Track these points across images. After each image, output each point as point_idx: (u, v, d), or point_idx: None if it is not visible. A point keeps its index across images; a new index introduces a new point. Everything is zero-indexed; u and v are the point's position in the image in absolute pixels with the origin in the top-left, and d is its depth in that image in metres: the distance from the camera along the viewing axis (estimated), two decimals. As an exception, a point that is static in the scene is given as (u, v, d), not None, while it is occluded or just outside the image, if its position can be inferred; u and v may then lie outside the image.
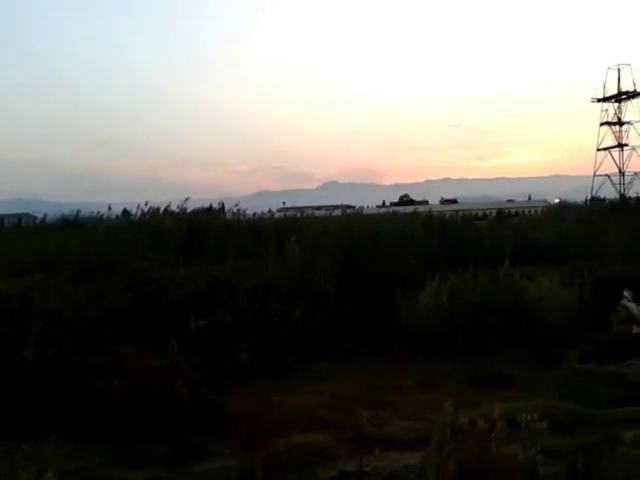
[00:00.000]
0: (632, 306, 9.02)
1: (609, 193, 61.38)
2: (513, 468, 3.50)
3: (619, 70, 62.26)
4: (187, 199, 13.95)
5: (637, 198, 51.68)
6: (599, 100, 63.32)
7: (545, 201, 64.19)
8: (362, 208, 24.78)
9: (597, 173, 64.59)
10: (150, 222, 12.83)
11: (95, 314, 7.37)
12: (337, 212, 19.97)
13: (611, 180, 63.49)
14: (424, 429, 4.86)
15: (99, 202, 15.82)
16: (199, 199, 22.80)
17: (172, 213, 13.37)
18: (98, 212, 15.87)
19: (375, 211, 30.45)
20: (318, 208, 31.49)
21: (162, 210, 13.47)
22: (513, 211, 39.27)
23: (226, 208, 16.76)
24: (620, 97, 62.70)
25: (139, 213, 13.60)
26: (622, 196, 59.67)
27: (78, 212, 16.36)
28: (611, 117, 63.32)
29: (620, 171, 63.23)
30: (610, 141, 63.51)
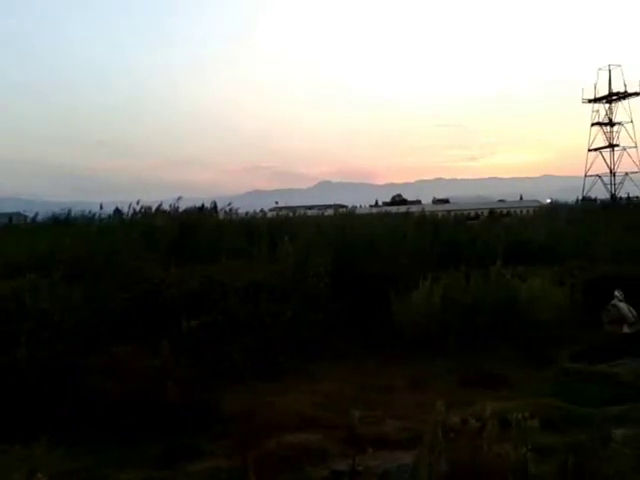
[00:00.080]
0: (622, 306, 9.07)
1: (600, 193, 61.77)
2: (504, 467, 3.52)
3: (610, 71, 62.63)
4: (179, 198, 13.92)
5: (628, 198, 52.05)
6: (590, 101, 63.60)
7: (537, 201, 64.48)
8: (355, 208, 24.79)
9: (588, 173, 64.92)
10: (142, 221, 12.78)
11: (87, 314, 7.35)
12: (329, 212, 19.96)
13: (602, 180, 63.83)
14: (416, 428, 4.88)
15: (99, 202, 15.71)
16: (191, 198, 22.78)
17: (164, 212, 13.32)
18: (90, 211, 15.78)
19: (368, 211, 30.48)
20: (311, 207, 31.48)
21: (154, 209, 13.42)
22: (505, 211, 39.42)
23: (218, 207, 16.73)
24: (611, 98, 63.00)
25: (131, 212, 13.54)
26: (613, 196, 59.98)
27: (69, 211, 16.24)
28: (602, 118, 63.66)
29: (611, 171, 63.56)
30: (601, 141, 63.86)
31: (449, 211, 32.69)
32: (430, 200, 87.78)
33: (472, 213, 34.34)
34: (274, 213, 20.08)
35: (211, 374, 6.89)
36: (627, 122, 62.66)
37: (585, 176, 64.84)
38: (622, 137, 63.02)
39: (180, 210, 13.64)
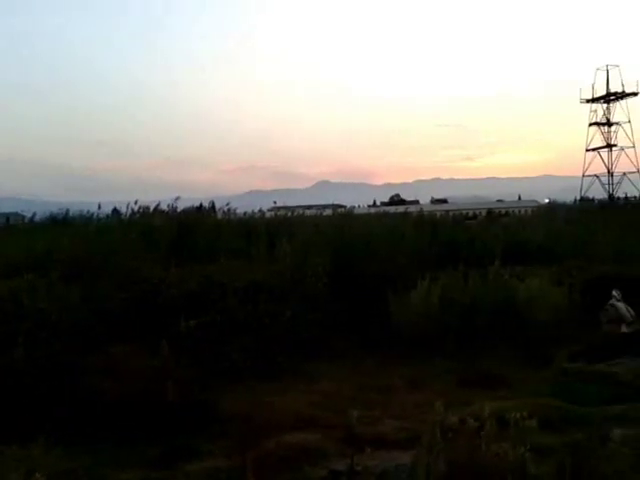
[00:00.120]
0: (621, 305, 9.08)
1: (598, 193, 61.83)
2: (503, 466, 3.52)
3: (608, 71, 62.70)
4: (177, 198, 13.91)
5: (626, 198, 52.11)
6: (588, 101, 63.67)
7: (535, 201, 64.56)
8: (353, 208, 24.79)
9: (586, 173, 64.98)
10: (140, 221, 12.76)
11: (85, 314, 7.34)
12: (328, 212, 19.95)
13: (600, 180, 63.90)
14: (415, 428, 4.88)
15: (98, 202, 15.67)
16: (190, 198, 22.75)
17: (162, 212, 13.31)
18: (88, 211, 15.75)
19: (366, 211, 30.48)
20: (309, 207, 31.47)
21: (152, 209, 13.40)
22: (503, 211, 39.45)
23: (217, 207, 16.71)
24: (609, 98, 63.06)
25: (129, 212, 13.52)
26: (611, 196, 60.03)
27: (67, 211, 16.21)
28: (600, 118, 63.72)
29: (609, 171, 63.63)
30: (599, 141, 63.92)
31: (447, 211, 32.73)
32: (428, 200, 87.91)
33: (470, 213, 34.37)
34: (272, 213, 20.06)
35: (210, 374, 6.88)
36: (625, 122, 62.80)
37: (583, 176, 64.98)
38: (620, 137, 63.19)
39: (178, 210, 13.63)
